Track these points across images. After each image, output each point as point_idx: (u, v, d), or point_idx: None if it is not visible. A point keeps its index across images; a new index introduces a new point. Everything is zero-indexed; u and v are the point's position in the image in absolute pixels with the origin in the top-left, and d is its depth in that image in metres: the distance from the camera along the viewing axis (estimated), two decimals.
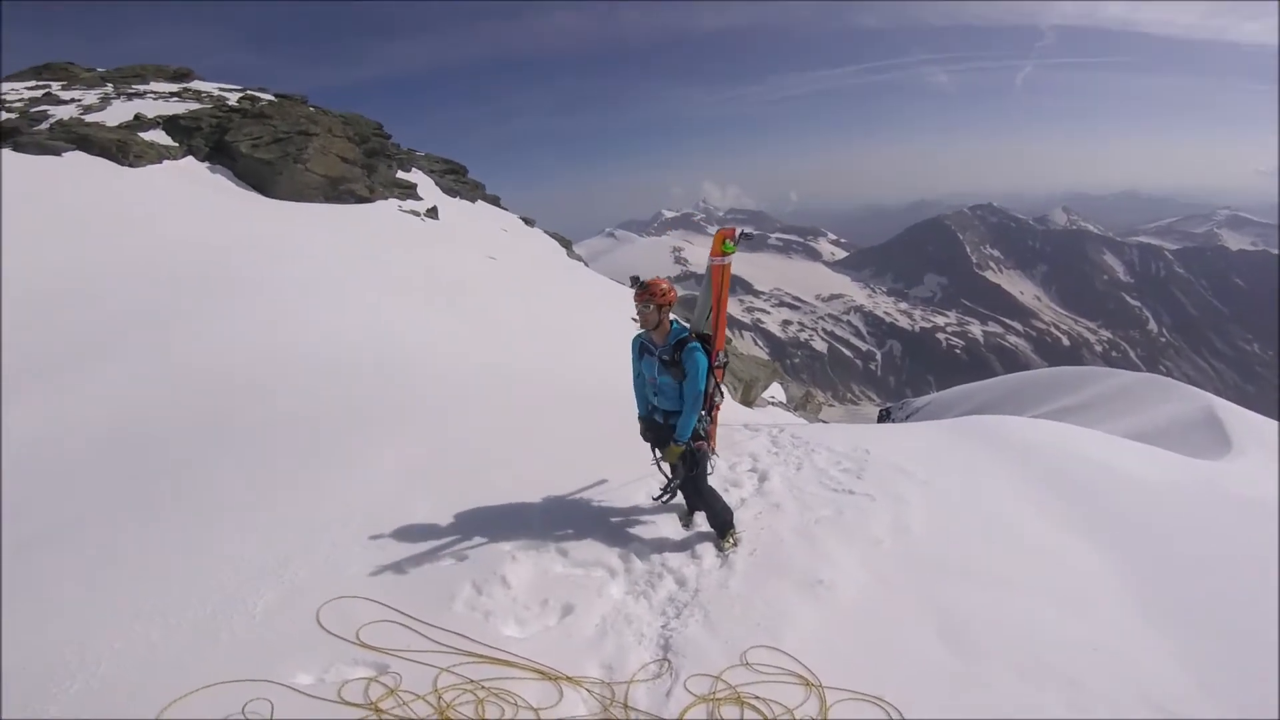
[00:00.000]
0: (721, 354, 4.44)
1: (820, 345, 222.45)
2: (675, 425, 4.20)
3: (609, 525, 4.71)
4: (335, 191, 18.76)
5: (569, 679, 3.24)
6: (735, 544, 4.44)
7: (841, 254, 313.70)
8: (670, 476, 4.49)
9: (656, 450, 4.56)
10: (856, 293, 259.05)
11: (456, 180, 28.27)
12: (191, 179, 16.95)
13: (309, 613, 3.62)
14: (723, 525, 4.47)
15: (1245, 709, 3.10)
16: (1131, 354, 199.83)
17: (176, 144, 18.17)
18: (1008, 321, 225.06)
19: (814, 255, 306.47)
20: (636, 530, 4.66)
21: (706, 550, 4.40)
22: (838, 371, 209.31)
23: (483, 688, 3.15)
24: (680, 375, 4.11)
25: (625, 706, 3.08)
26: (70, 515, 4.71)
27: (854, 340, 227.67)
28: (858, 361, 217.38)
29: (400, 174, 23.63)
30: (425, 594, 3.83)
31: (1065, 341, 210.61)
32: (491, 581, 3.98)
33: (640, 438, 4.54)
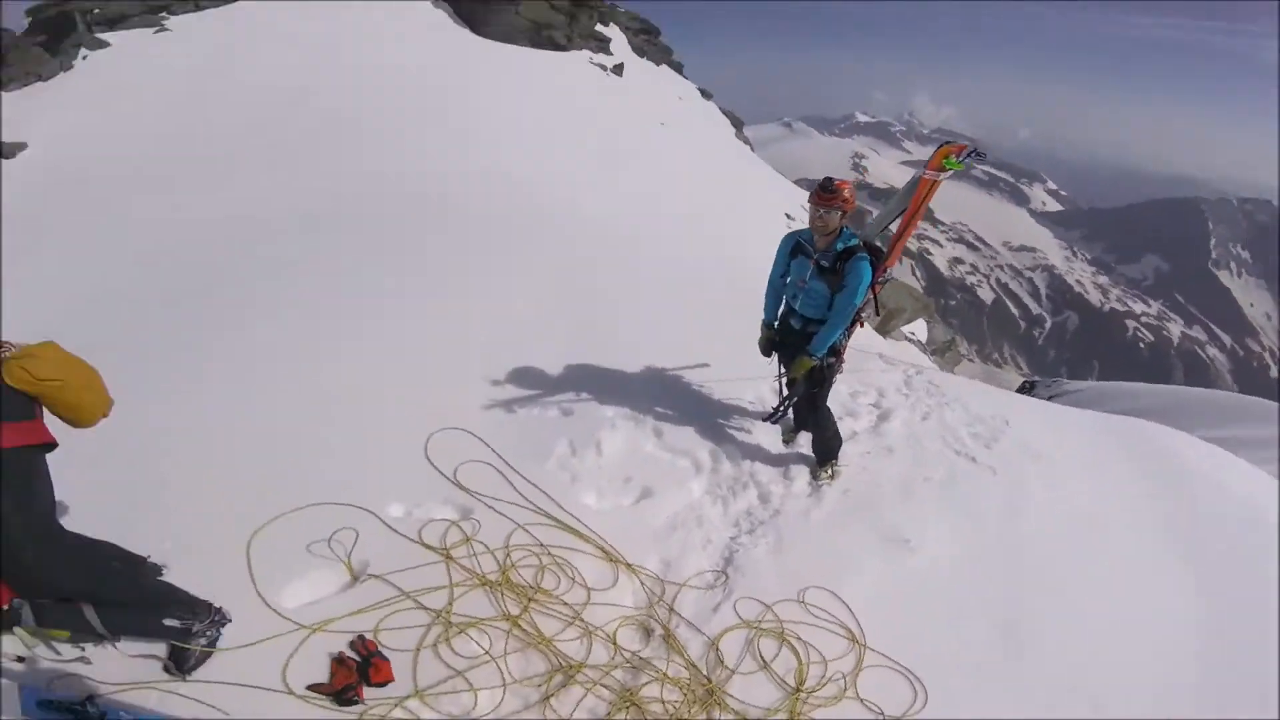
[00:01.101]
0: (889, 272, 3.95)
1: (986, 295, 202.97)
2: (813, 335, 3.84)
3: (707, 417, 4.60)
4: (539, 36, 19.75)
5: (628, 566, 3.27)
6: (833, 476, 4.19)
7: (1055, 207, 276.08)
8: (787, 394, 4.20)
9: (782, 365, 4.24)
10: (1054, 252, 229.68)
11: (648, 41, 27.94)
12: (416, 12, 18.00)
13: (419, 439, 3.79)
14: (827, 453, 4.21)
15: None
16: None
17: None
18: (1217, 331, 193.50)
19: (1021, 199, 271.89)
20: (733, 430, 4.52)
21: (800, 474, 4.19)
22: (994, 328, 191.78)
23: (549, 553, 3.23)
24: (836, 284, 3.71)
25: (670, 610, 3.08)
26: (255, 276, 5.37)
27: (1027, 300, 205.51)
28: (1022, 322, 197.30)
29: (598, 27, 23.71)
30: (526, 443, 3.98)
31: (1273, 371, 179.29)
32: (587, 445, 4.05)
33: (759, 347, 4.23)
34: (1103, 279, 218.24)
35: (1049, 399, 17.64)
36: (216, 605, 2.53)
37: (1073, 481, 4.79)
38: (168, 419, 3.68)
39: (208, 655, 2.43)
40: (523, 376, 4.61)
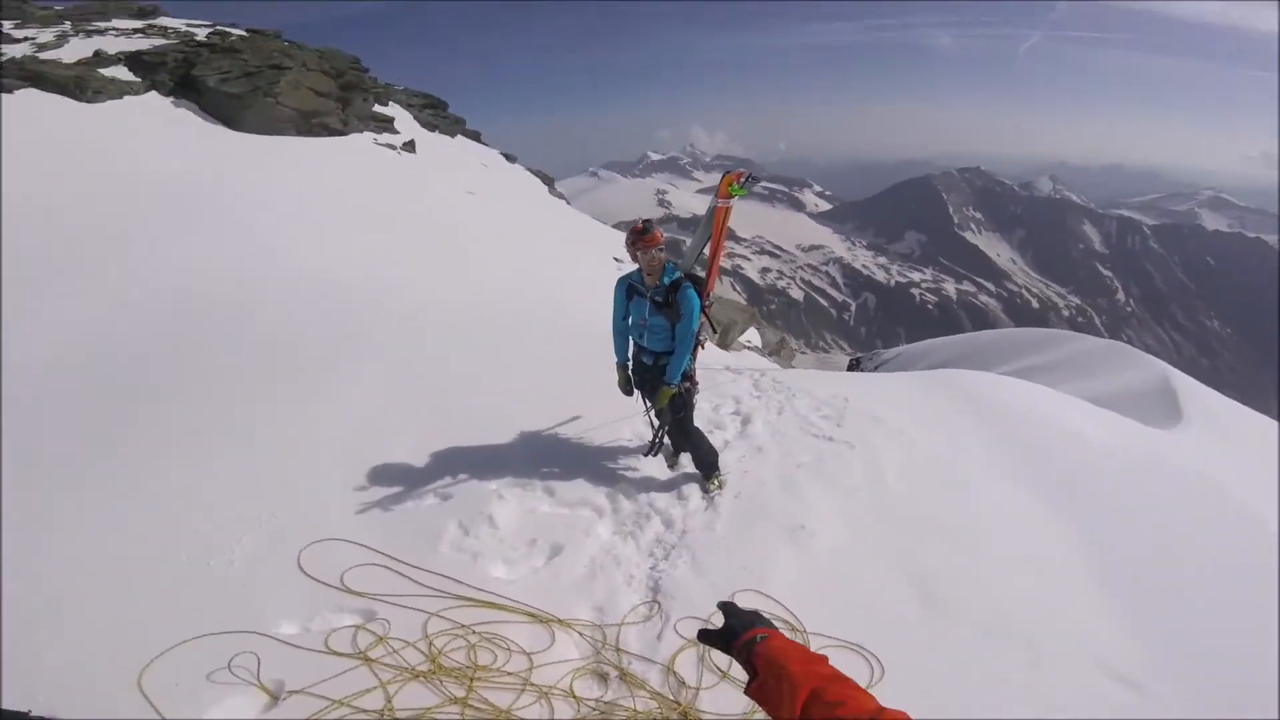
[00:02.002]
0: (710, 296, 4.35)
1: (797, 294, 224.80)
2: (665, 367, 4.13)
3: (594, 464, 4.66)
4: (307, 125, 18.15)
5: (560, 621, 3.20)
6: (721, 486, 4.45)
7: (825, 206, 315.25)
8: (657, 424, 4.46)
9: (646, 400, 4.50)
10: (837, 245, 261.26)
11: (435, 115, 27.44)
12: (154, 112, 16.05)
13: (290, 558, 3.47)
14: (709, 467, 4.46)
15: (1189, 674, 3.17)
16: (1097, 320, 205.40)
17: (139, 80, 17.15)
18: (981, 281, 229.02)
19: (798, 206, 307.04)
20: (622, 470, 4.62)
21: (692, 491, 4.39)
22: (812, 320, 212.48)
23: (474, 632, 3.07)
24: (674, 316, 4.02)
25: (617, 650, 3.06)
26: (24, 454, 4.35)
27: (830, 290, 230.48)
28: (832, 311, 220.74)
29: (377, 108, 22.84)
30: (410, 535, 3.73)
31: (1034, 304, 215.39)
32: (478, 521, 3.89)
33: (619, 389, 4.46)
34: (881, 259, 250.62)
35: (874, 369, 19.76)
36: None
37: (913, 434, 5.42)
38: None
39: None
40: (387, 475, 4.33)
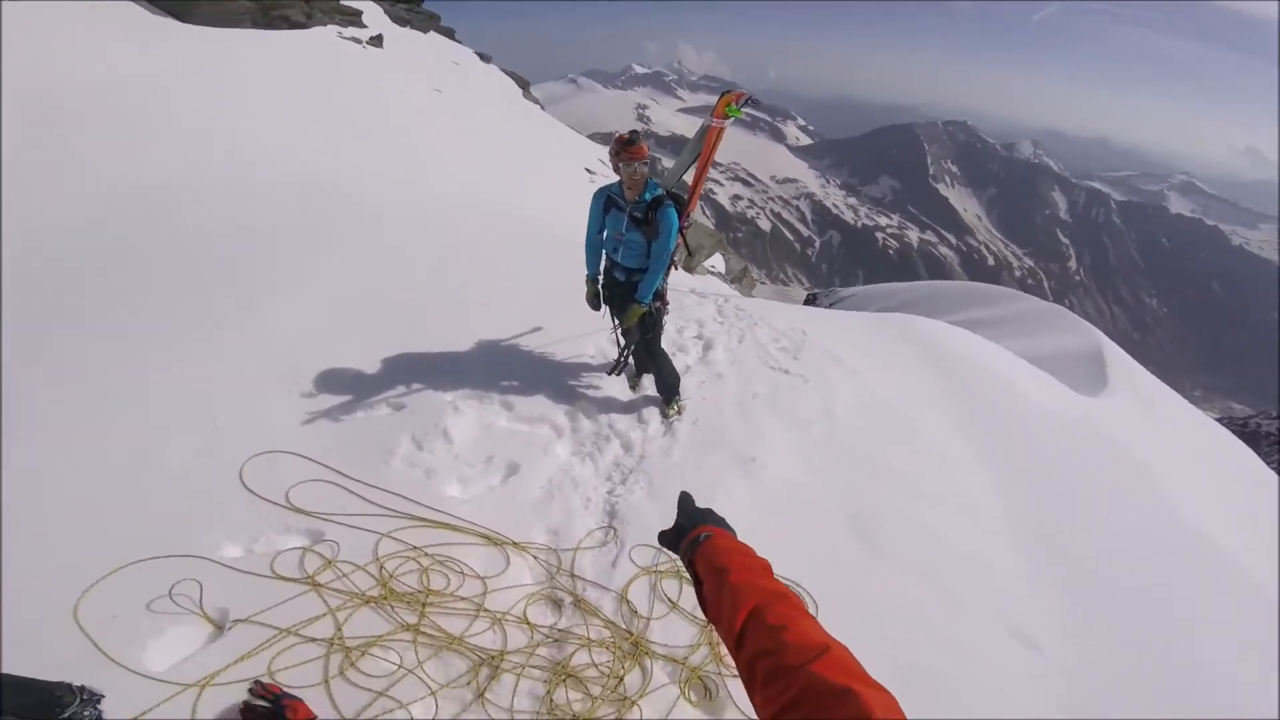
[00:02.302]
0: (690, 216, 4.15)
1: (765, 224, 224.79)
2: (637, 285, 3.97)
3: (555, 379, 4.53)
4: (266, 18, 16.40)
5: (515, 545, 3.12)
6: (680, 411, 4.43)
7: (807, 141, 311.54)
8: (624, 343, 4.34)
9: (614, 317, 4.36)
10: (811, 181, 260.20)
11: (409, 10, 25.38)
12: (90, 4, 14.06)
13: (232, 472, 3.21)
14: (670, 390, 4.42)
15: (1084, 642, 3.26)
16: (1045, 284, 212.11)
17: None
18: (944, 233, 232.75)
19: (779, 137, 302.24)
20: (583, 388, 4.52)
21: (652, 415, 4.35)
22: (775, 252, 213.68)
23: (426, 555, 2.96)
24: (652, 234, 3.83)
25: (572, 575, 3.02)
26: None
27: (798, 225, 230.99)
28: (796, 245, 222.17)
29: (345, 1, 20.85)
30: (360, 448, 3.52)
31: (990, 261, 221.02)
32: (432, 435, 3.73)
33: (587, 303, 4.27)
34: (852, 200, 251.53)
35: (830, 306, 20.01)
36: (75, 684, 2.08)
37: (866, 374, 5.45)
38: None
39: None
40: (337, 382, 4.05)
